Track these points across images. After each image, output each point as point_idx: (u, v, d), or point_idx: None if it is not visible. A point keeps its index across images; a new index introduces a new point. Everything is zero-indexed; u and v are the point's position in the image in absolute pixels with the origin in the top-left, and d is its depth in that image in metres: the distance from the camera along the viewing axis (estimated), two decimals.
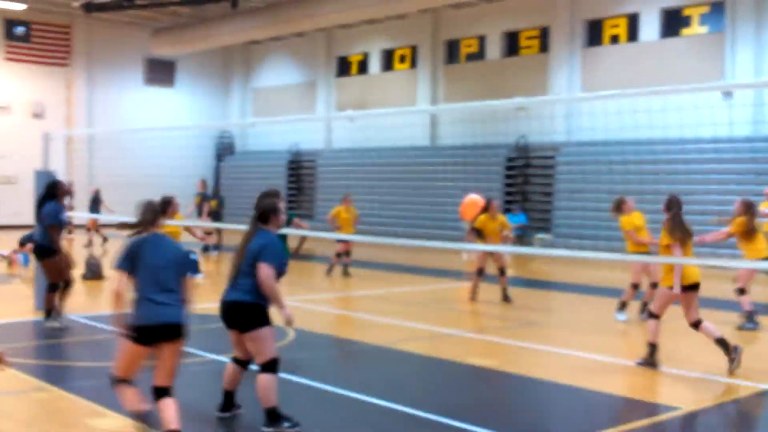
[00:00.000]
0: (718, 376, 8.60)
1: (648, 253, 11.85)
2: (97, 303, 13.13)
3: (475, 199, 23.27)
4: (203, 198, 21.56)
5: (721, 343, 8.70)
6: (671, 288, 8.68)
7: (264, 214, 6.69)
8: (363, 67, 32.54)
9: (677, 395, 7.83)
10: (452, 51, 29.68)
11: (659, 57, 23.37)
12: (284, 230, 9.66)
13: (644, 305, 12.04)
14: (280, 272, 6.40)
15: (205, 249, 20.82)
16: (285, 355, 9.16)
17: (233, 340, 6.58)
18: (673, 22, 23.76)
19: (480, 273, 13.75)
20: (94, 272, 15.48)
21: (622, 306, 12.06)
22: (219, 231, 21.90)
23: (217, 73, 37.39)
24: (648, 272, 11.98)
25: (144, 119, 32.50)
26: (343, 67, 33.35)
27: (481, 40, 28.43)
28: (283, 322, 6.52)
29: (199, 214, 21.18)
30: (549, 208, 24.85)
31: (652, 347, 8.85)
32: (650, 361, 8.84)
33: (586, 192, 23.49)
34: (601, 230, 22.68)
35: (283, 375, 8.07)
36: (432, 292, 15.27)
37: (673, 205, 8.94)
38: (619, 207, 12.00)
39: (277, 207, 6.70)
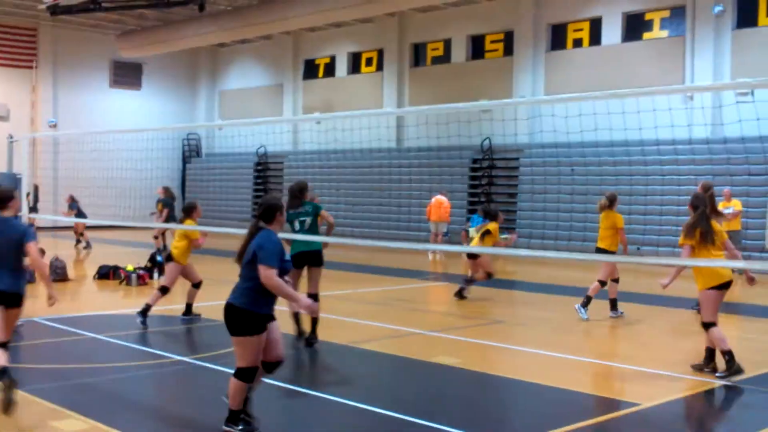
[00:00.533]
0: (679, 373, 8.85)
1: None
2: (60, 305, 13.12)
3: (441, 200, 23.56)
4: (164, 204, 21.51)
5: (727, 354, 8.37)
6: (710, 288, 8.37)
7: (269, 210, 6.37)
8: (330, 70, 32.65)
9: (637, 392, 8.04)
10: (418, 54, 29.91)
11: (621, 60, 23.76)
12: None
13: (613, 302, 12.27)
14: (282, 270, 6.13)
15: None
16: None
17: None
18: (635, 26, 24.18)
19: (490, 276, 13.82)
20: (58, 274, 15.45)
21: (588, 302, 12.15)
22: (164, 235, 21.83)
23: (184, 75, 37.30)
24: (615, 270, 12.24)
25: (110, 121, 32.37)
26: (310, 70, 33.44)
27: (447, 43, 28.69)
28: (306, 314, 6.47)
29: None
30: (513, 209, 25.14)
31: (729, 355, 8.35)
32: (735, 368, 8.30)
33: (548, 193, 23.85)
34: (562, 230, 23.06)
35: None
36: (397, 292, 15.43)
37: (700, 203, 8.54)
38: (612, 203, 12.04)
39: (281, 205, 6.45)
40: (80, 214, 23.22)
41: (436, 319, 12.68)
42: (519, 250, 19.64)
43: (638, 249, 20.48)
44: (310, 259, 9.80)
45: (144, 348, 9.60)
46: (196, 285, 11.80)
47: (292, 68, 33.58)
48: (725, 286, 8.44)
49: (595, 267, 19.55)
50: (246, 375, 6.17)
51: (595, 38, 24.86)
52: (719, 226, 8.52)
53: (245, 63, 35.99)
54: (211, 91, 37.45)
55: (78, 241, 23.65)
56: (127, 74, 35.19)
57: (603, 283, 12.20)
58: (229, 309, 6.16)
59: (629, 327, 11.75)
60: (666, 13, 23.60)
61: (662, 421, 7.26)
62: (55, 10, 26.28)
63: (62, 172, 30.84)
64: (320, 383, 8.28)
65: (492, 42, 27.60)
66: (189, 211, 11.63)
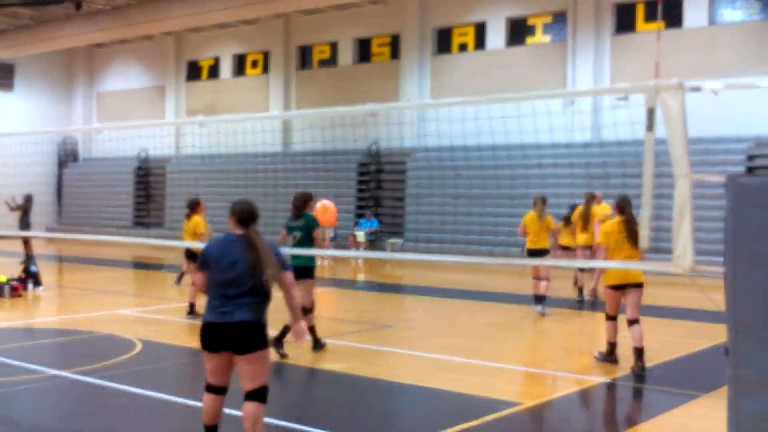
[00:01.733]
0: (561, 372, 9.05)
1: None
2: None
3: (327, 205, 23.49)
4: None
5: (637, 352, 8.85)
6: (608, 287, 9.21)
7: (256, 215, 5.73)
8: (214, 72, 32.11)
9: (520, 391, 8.18)
10: (305, 57, 29.76)
11: (505, 65, 24.28)
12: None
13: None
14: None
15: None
16: (130, 368, 8.98)
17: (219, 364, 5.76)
18: (518, 31, 24.73)
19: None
20: None
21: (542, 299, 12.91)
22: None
23: (60, 76, 35.94)
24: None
25: None
26: (193, 72, 32.80)
27: (333, 46, 28.66)
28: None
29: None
30: (401, 213, 25.32)
31: (612, 346, 9.19)
32: (610, 357, 9.16)
33: (434, 197, 24.10)
34: (447, 233, 23.34)
35: (125, 387, 7.92)
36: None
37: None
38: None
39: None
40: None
41: (323, 324, 12.58)
42: (406, 254, 19.82)
43: (522, 250, 20.86)
44: (301, 272, 9.68)
45: (17, 363, 9.14)
46: None
47: (174, 70, 32.85)
48: (623, 287, 9.18)
49: (480, 269, 19.94)
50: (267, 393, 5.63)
51: (480, 42, 25.31)
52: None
53: (125, 64, 34.97)
54: (89, 93, 36.22)
55: None
56: None
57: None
58: (249, 326, 5.58)
59: (513, 328, 11.97)
60: (548, 19, 24.24)
61: (543, 419, 7.41)
62: None
63: None
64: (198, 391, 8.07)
65: (379, 45, 27.74)
66: (194, 207, 12.05)
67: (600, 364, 9.23)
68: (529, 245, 13.04)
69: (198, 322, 11.29)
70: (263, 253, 5.55)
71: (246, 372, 5.55)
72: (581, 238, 14.40)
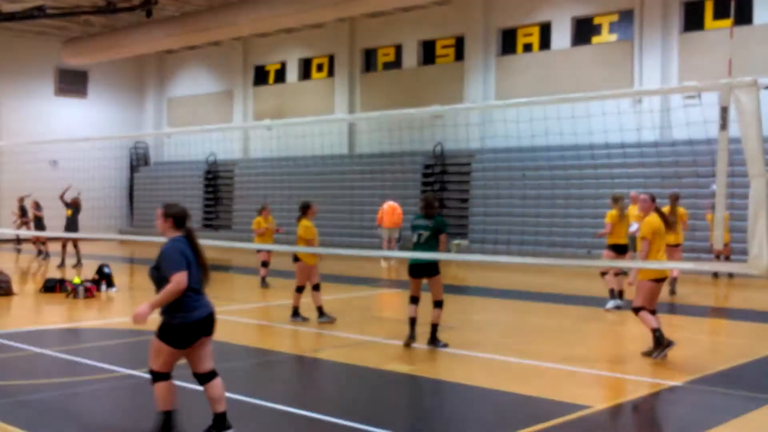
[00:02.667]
0: (630, 375, 8.91)
1: None
2: (3, 320, 12.80)
3: (394, 206, 23.53)
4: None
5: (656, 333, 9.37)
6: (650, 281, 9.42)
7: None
8: (280, 76, 32.48)
9: (589, 394, 8.06)
10: (369, 60, 29.89)
11: (571, 64, 24.02)
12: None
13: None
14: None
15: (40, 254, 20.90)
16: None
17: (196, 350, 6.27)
18: (583, 31, 24.45)
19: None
20: (2, 288, 15.06)
21: (613, 293, 13.24)
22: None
23: (131, 82, 36.81)
24: None
25: (56, 130, 31.77)
26: (260, 76, 33.23)
27: (398, 48, 28.71)
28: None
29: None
30: (465, 214, 25.22)
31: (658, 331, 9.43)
32: (664, 345, 9.40)
33: (500, 198, 23.95)
34: (514, 235, 23.16)
35: (194, 386, 8.05)
36: (351, 300, 15.34)
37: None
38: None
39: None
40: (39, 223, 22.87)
41: (389, 326, 12.61)
42: (472, 255, 19.73)
43: (588, 252, 20.65)
44: (427, 269, 10.23)
45: (92, 362, 9.37)
46: (315, 287, 12.12)
47: (242, 74, 33.33)
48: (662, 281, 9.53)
49: (547, 270, 19.74)
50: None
51: (545, 42, 25.09)
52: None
53: (194, 69, 35.63)
54: (159, 99, 37.00)
55: (39, 252, 23.22)
56: (72, 82, 34.62)
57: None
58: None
59: (579, 331, 11.81)
60: (614, 17, 23.91)
61: (613, 423, 7.30)
62: None
63: (6, 183, 30.22)
64: (274, 394, 8.16)
65: (443, 47, 27.70)
66: (305, 210, 12.25)
67: (670, 365, 9.04)
68: (610, 240, 13.24)
69: (300, 326, 11.55)
70: (201, 248, 6.37)
71: (209, 351, 6.30)
72: (670, 238, 14.27)
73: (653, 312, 9.50)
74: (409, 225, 10.82)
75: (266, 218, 16.84)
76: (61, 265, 20.67)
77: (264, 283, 16.76)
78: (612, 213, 13.21)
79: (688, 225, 15.43)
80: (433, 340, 10.24)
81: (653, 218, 9.55)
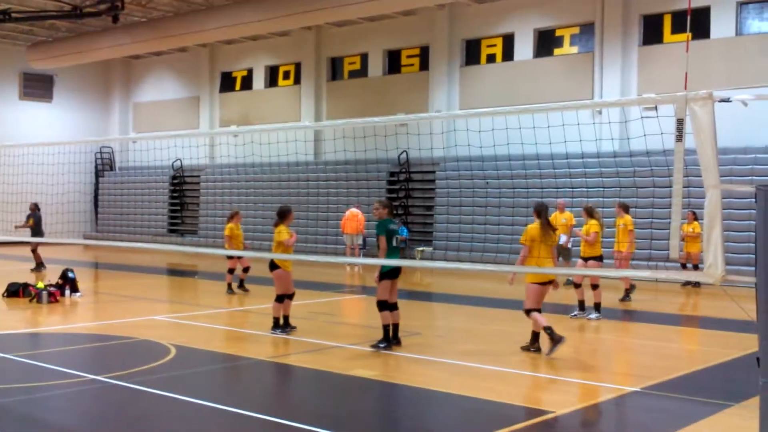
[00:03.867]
0: (592, 381, 9.11)
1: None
2: None
3: (355, 212, 23.68)
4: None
5: (547, 330, 10.10)
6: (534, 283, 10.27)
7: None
8: (247, 83, 32.48)
9: (551, 400, 8.24)
10: (335, 68, 30.03)
11: (533, 75, 24.36)
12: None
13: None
14: None
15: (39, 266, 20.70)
16: (165, 372, 9.19)
17: None
18: (546, 42, 24.81)
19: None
20: None
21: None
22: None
23: (97, 87, 36.56)
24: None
25: (20, 135, 31.45)
26: (227, 83, 33.20)
27: (364, 57, 28.88)
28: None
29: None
30: (430, 221, 25.43)
31: (548, 329, 10.14)
32: (557, 338, 10.11)
33: (463, 206, 24.20)
34: (477, 242, 23.42)
35: (160, 392, 8.12)
36: (315, 306, 15.43)
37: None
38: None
39: None
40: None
41: (354, 331, 12.74)
42: (435, 263, 19.92)
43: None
44: (399, 272, 10.82)
45: (55, 367, 9.37)
46: (289, 296, 11.83)
47: (208, 81, 33.29)
48: (546, 284, 10.28)
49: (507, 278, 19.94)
50: None
51: (508, 54, 25.41)
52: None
53: (160, 75, 35.50)
54: (125, 104, 36.80)
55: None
56: (37, 86, 34.33)
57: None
58: None
59: (541, 338, 12.01)
60: (576, 30, 24.30)
61: (575, 428, 7.46)
62: None
63: None
64: (239, 400, 8.24)
65: (408, 57, 27.93)
66: (283, 216, 11.76)
67: (628, 372, 9.27)
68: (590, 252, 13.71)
69: (266, 332, 11.56)
70: None
71: None
72: (623, 246, 14.89)
73: (539, 311, 10.28)
74: (375, 229, 10.80)
75: (237, 225, 16.65)
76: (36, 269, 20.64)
77: (230, 290, 16.73)
78: (594, 223, 13.63)
79: (635, 233, 15.60)
80: (396, 338, 10.68)
81: (532, 226, 10.39)
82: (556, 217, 17.05)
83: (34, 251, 21.32)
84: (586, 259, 13.63)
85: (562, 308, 14.01)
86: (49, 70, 33.60)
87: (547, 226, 10.37)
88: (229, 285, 16.78)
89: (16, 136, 31.09)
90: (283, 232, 11.56)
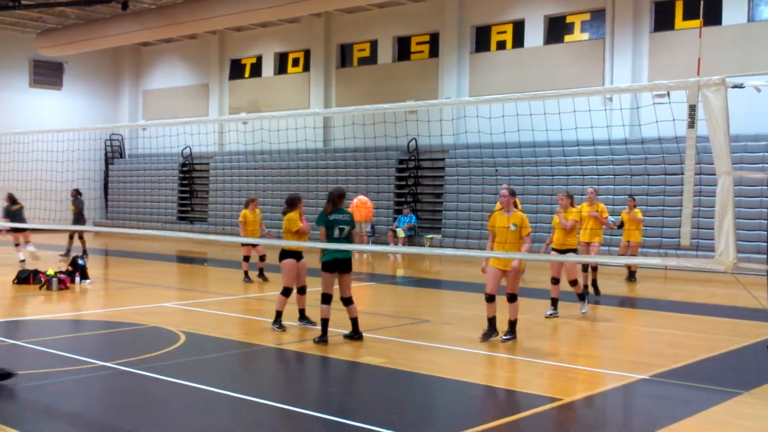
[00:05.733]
0: (598, 368, 9.09)
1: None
2: None
3: (363, 200, 23.66)
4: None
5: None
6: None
7: None
8: (256, 70, 32.45)
9: (559, 387, 8.23)
10: (345, 55, 29.95)
11: (543, 62, 24.25)
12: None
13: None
14: None
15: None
16: (174, 359, 9.21)
17: None
18: (556, 29, 24.69)
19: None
20: None
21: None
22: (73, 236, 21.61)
23: (107, 74, 36.61)
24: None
25: (30, 122, 31.54)
26: (237, 70, 33.18)
27: (373, 44, 28.80)
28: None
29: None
30: (440, 209, 25.40)
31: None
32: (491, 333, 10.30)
33: (473, 193, 24.15)
34: (485, 230, 23.34)
35: (169, 378, 8.14)
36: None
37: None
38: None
39: None
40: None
41: (362, 319, 12.73)
42: (444, 250, 19.91)
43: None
44: (342, 265, 10.29)
45: (65, 354, 9.41)
46: (299, 290, 11.34)
47: (218, 68, 33.27)
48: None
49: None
50: None
51: (518, 40, 25.30)
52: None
53: (170, 62, 35.50)
54: (135, 91, 36.84)
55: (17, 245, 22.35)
56: (47, 73, 34.40)
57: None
58: None
59: (554, 325, 12.01)
60: (586, 16, 24.16)
61: (583, 415, 7.46)
62: None
63: None
64: (247, 386, 8.25)
65: (418, 43, 27.83)
66: (293, 204, 11.19)
67: (636, 360, 9.24)
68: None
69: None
70: None
71: None
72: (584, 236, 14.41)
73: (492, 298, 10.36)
74: (316, 218, 10.36)
75: (253, 211, 16.21)
76: (65, 255, 20.70)
77: (247, 278, 16.55)
78: (574, 211, 13.02)
79: (607, 222, 15.12)
80: (356, 332, 10.36)
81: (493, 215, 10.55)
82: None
83: (81, 237, 21.16)
84: (562, 251, 12.47)
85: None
86: (58, 57, 33.64)
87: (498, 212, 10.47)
88: (246, 273, 16.63)
89: (27, 123, 31.20)
90: (295, 221, 11.12)
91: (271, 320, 11.11)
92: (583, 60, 23.66)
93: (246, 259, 16.59)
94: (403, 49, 28.23)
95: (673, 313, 13.30)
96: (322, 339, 10.08)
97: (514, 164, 22.79)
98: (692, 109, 6.63)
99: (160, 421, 6.89)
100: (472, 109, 22.89)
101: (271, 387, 8.34)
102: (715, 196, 6.42)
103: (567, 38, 24.54)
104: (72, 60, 34.49)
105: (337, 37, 29.69)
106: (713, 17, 21.29)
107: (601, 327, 11.98)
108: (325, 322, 10.15)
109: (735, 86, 6.62)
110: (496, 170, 23.47)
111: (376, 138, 23.81)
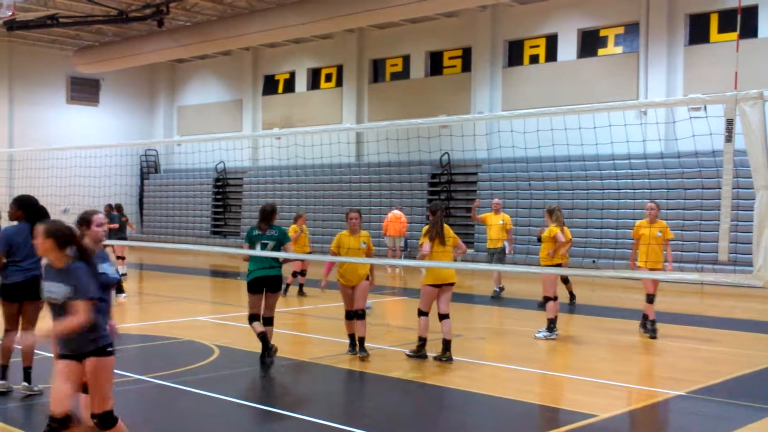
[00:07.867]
0: (634, 384, 8.99)
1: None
2: None
3: (398, 214, 23.65)
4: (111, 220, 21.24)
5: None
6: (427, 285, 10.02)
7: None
8: (289, 86, 32.67)
9: (594, 403, 8.15)
10: (377, 70, 30.06)
11: (577, 76, 24.13)
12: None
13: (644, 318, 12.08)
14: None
15: None
16: (208, 373, 9.25)
17: None
18: (590, 43, 24.57)
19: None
20: None
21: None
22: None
23: (142, 91, 37.07)
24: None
25: (68, 138, 32.00)
26: (270, 86, 33.43)
27: (406, 59, 28.88)
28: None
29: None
30: (472, 223, 25.29)
31: (422, 341, 10.01)
32: (419, 353, 9.99)
33: (506, 207, 24.00)
34: (520, 244, 23.21)
35: (203, 391, 8.18)
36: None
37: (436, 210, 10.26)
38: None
39: None
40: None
41: (394, 333, 12.72)
42: (478, 265, 19.83)
43: (594, 262, 20.73)
44: (274, 283, 9.92)
45: None
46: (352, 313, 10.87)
47: (251, 84, 33.54)
48: (440, 286, 10.00)
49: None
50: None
51: (552, 54, 25.22)
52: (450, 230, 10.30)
53: (204, 78, 35.87)
54: (170, 107, 37.25)
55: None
56: (84, 90, 34.90)
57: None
58: None
59: (584, 340, 11.90)
60: (620, 30, 24.03)
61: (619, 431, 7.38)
62: (11, 26, 25.96)
63: (18, 190, 30.34)
64: (279, 400, 8.27)
65: (450, 58, 27.85)
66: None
67: (672, 376, 9.13)
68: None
69: (305, 332, 11.54)
70: None
71: None
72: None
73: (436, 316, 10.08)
74: (247, 235, 10.20)
75: (301, 226, 16.05)
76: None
77: (301, 292, 16.64)
78: (555, 227, 12.63)
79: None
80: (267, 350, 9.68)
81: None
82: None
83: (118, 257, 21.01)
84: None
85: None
86: (95, 74, 34.13)
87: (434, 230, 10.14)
88: (301, 286, 16.70)
89: (64, 139, 31.63)
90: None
91: (306, 332, 11.14)
92: (617, 74, 23.51)
93: (295, 274, 16.53)
94: (436, 63, 28.26)
95: (710, 328, 13.13)
96: (268, 357, 9.60)
97: (548, 178, 22.67)
98: (729, 123, 6.56)
99: (188, 430, 6.92)
100: (506, 123, 22.86)
101: (304, 401, 8.35)
102: (752, 211, 6.33)
103: (601, 52, 24.42)
104: (108, 77, 34.98)
105: (369, 53, 29.81)
106: (749, 30, 21.08)
107: (637, 342, 11.84)
108: (260, 336, 9.65)
109: None
110: (530, 185, 23.35)
111: (409, 153, 23.77)
